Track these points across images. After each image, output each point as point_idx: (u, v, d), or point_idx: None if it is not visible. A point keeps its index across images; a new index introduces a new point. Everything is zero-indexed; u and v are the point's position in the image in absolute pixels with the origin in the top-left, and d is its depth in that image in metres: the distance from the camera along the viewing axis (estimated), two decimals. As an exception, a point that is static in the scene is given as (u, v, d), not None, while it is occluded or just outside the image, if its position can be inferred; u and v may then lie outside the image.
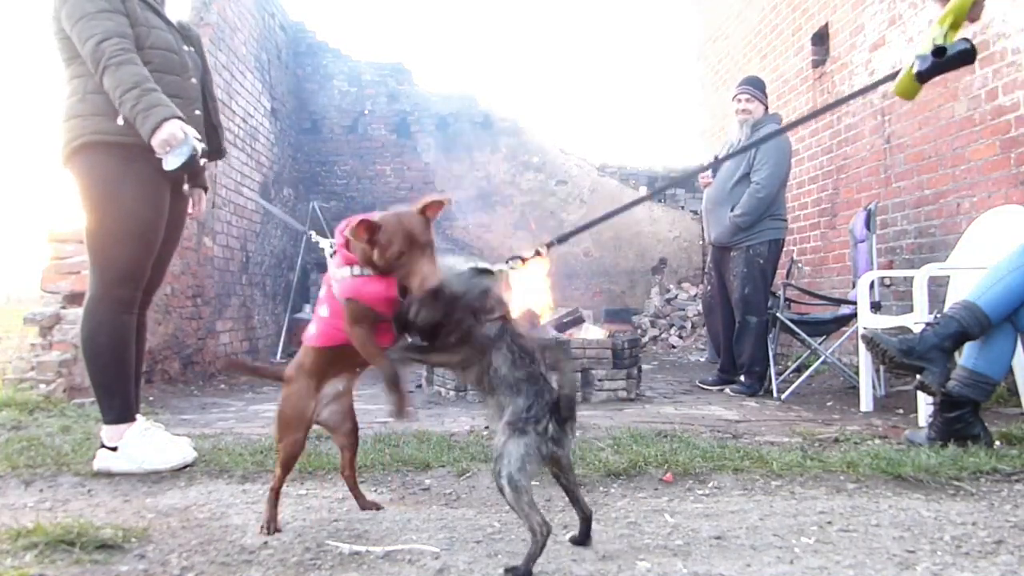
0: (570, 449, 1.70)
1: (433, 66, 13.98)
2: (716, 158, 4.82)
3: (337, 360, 1.86)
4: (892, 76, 2.06)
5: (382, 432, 3.04)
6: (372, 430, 3.11)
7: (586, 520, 1.75)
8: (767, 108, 4.75)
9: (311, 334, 1.87)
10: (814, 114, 3.34)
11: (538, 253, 1.92)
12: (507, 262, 1.87)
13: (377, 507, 2.05)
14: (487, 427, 3.19)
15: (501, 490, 1.57)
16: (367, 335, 1.74)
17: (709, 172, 4.82)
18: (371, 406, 4.12)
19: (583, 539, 1.76)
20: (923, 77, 1.81)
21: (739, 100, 4.67)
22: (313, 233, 2.07)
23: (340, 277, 1.77)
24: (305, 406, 1.86)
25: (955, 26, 1.82)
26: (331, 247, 1.86)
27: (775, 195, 4.52)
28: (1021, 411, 3.38)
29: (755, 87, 4.72)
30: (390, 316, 1.75)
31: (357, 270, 1.76)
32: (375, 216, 1.70)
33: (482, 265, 1.78)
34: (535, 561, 1.55)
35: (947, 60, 1.78)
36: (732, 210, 4.53)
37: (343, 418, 1.98)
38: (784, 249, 6.34)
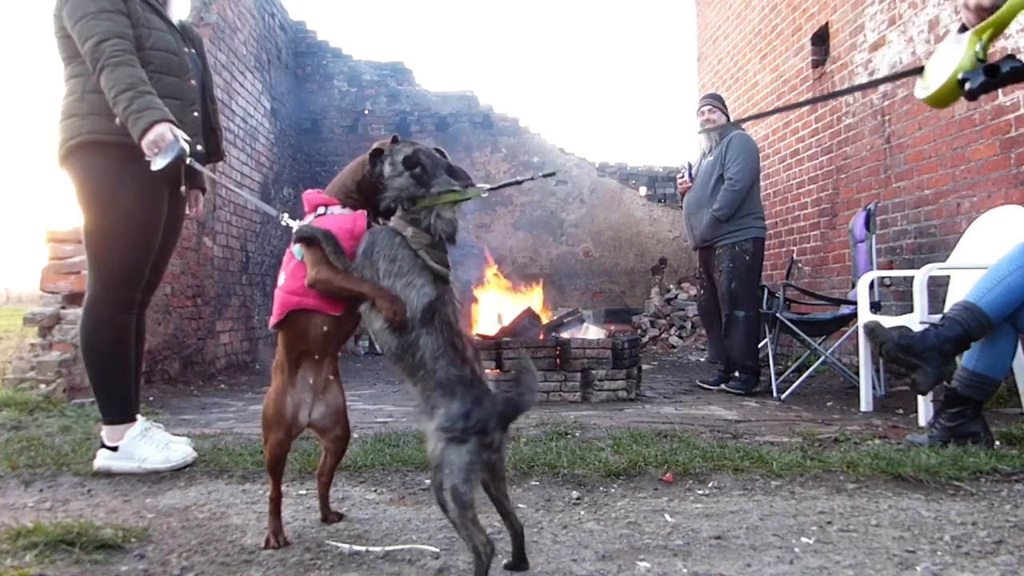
0: (505, 455, 1.59)
1: (433, 66, 14.00)
2: (689, 165, 5.05)
3: (294, 339, 1.80)
4: (904, 74, 2.02)
5: (382, 432, 3.04)
6: (372, 430, 3.11)
7: (517, 537, 1.59)
8: (729, 119, 5.00)
9: (271, 319, 1.82)
10: (810, 101, 3.34)
11: (515, 183, 2.07)
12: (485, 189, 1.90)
13: (340, 516, 2.01)
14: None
15: (443, 505, 1.46)
16: (327, 269, 1.68)
17: (686, 176, 4.98)
18: (370, 406, 4.12)
19: (517, 562, 1.59)
20: (974, 95, 1.78)
21: (702, 113, 4.92)
22: (285, 215, 2.05)
23: (304, 223, 1.79)
24: (282, 404, 1.80)
25: (993, 38, 1.78)
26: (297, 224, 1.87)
27: (749, 188, 4.64)
28: (1021, 411, 3.38)
29: (716, 100, 4.99)
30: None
31: (323, 210, 1.80)
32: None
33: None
34: None
35: (1000, 79, 1.76)
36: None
37: (334, 422, 1.90)
38: (783, 249, 6.34)
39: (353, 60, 9.09)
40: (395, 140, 1.79)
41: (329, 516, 2.00)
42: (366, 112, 9.01)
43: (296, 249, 1.77)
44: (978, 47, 1.76)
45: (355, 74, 9.03)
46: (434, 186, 1.67)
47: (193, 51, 2.75)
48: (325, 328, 1.78)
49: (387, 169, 1.72)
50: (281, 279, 1.81)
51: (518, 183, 2.06)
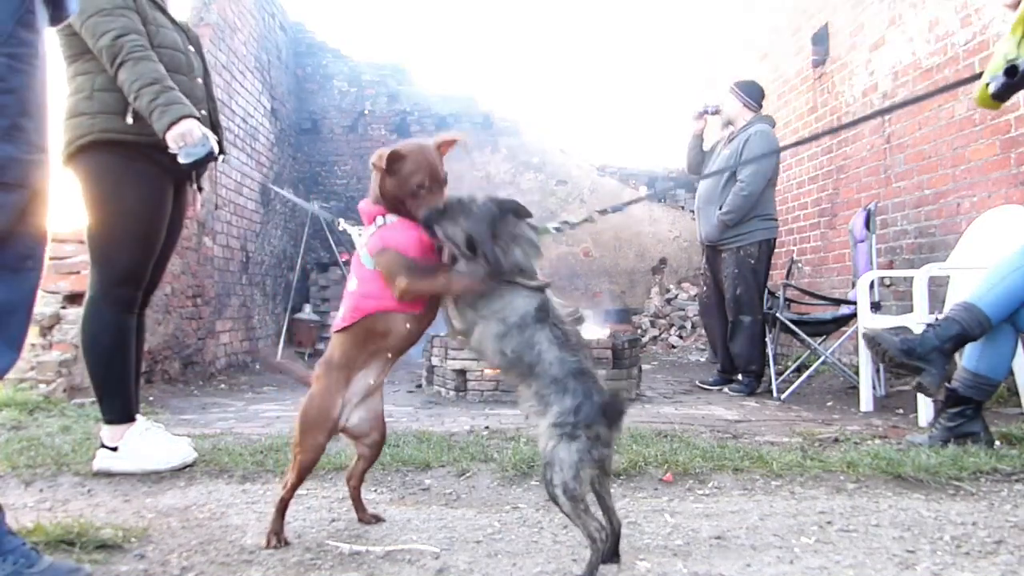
0: (613, 452, 1.60)
1: (433, 66, 13.96)
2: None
3: (368, 339, 1.77)
4: (966, 81, 1.93)
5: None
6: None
7: (615, 535, 1.62)
8: (755, 109, 4.70)
9: (338, 319, 1.79)
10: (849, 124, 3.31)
11: (589, 219, 1.95)
12: (555, 225, 1.86)
13: (378, 519, 1.98)
14: (487, 427, 3.19)
15: (555, 499, 1.50)
16: (412, 277, 1.67)
17: (703, 110, 4.84)
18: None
19: (611, 555, 1.62)
20: (999, 97, 1.71)
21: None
22: (341, 220, 2.05)
23: (368, 235, 1.77)
24: (331, 405, 1.76)
25: None
26: (359, 232, 1.85)
27: (760, 193, 4.51)
28: (1021, 411, 3.38)
29: (736, 85, 4.73)
30: (426, 262, 1.72)
31: (381, 220, 1.77)
32: (397, 146, 1.75)
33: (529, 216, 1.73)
34: (597, 569, 1.50)
35: (1020, 79, 1.66)
36: (720, 208, 4.55)
37: (371, 427, 1.87)
38: (783, 249, 6.33)
39: (353, 60, 9.08)
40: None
41: (366, 517, 1.96)
42: (366, 112, 9.01)
43: (366, 258, 1.76)
44: (1010, 46, 1.68)
45: (355, 74, 9.03)
46: (513, 247, 1.65)
47: (193, 50, 2.75)
48: (408, 325, 1.75)
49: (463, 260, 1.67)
50: (352, 284, 1.78)
51: (592, 220, 1.98)
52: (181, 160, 2.33)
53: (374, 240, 1.75)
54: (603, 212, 2.02)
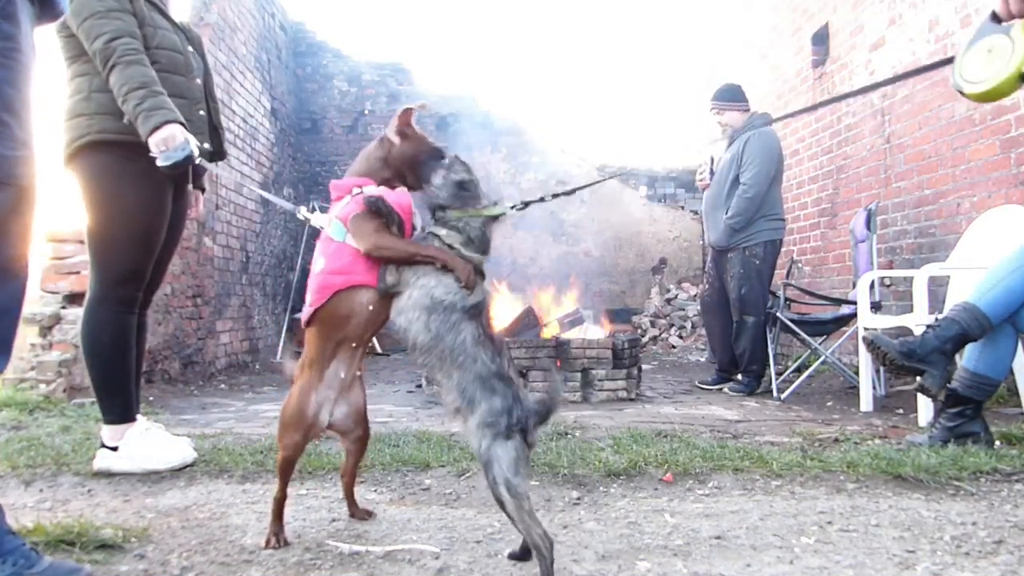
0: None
1: (433, 66, 13.94)
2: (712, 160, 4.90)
3: (332, 327, 1.76)
4: (947, 61, 1.97)
5: (382, 432, 3.04)
6: (372, 430, 3.11)
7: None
8: (748, 109, 4.74)
9: (306, 307, 1.78)
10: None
11: (543, 199, 2.01)
12: (512, 206, 1.90)
13: (369, 514, 1.99)
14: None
15: (500, 500, 1.48)
16: (388, 236, 1.70)
17: (707, 175, 4.90)
18: (371, 406, 4.11)
19: (524, 552, 1.61)
20: None
21: (713, 114, 4.77)
22: (302, 208, 2.02)
23: (341, 207, 1.79)
24: (305, 403, 1.77)
25: None
26: (322, 218, 1.84)
27: (764, 194, 4.51)
28: (1021, 411, 3.38)
29: (721, 99, 4.74)
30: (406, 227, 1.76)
31: (357, 191, 1.79)
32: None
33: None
34: None
35: None
36: (726, 213, 4.56)
37: (355, 423, 1.88)
38: (784, 249, 6.35)
39: (353, 60, 9.09)
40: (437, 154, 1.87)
41: (358, 513, 1.98)
42: (366, 112, 9.01)
43: (336, 230, 1.75)
44: None
45: (355, 74, 9.03)
46: (468, 204, 1.74)
47: (193, 51, 2.75)
48: (371, 306, 1.73)
49: (437, 179, 1.77)
50: (319, 264, 1.77)
51: (541, 200, 2.02)
52: (159, 163, 2.33)
53: (351, 207, 1.75)
54: (555, 195, 2.06)
